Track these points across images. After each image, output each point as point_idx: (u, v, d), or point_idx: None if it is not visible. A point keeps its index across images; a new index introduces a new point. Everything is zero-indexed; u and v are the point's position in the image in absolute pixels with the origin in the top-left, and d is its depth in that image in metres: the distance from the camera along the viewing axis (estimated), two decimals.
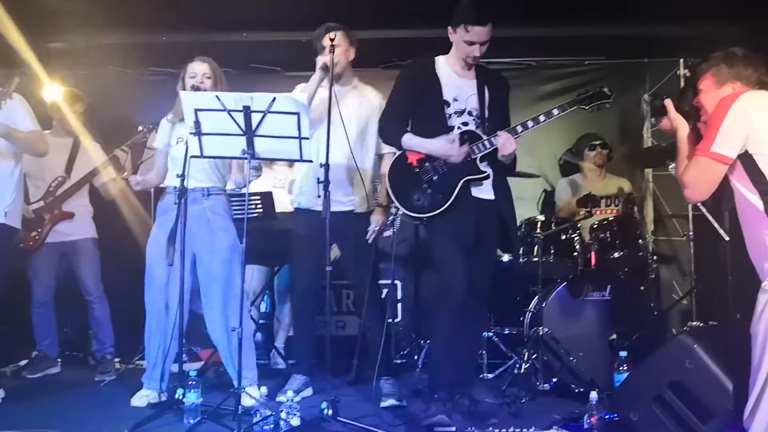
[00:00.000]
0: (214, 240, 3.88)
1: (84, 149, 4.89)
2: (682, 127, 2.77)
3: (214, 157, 3.79)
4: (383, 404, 3.85)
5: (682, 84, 5.63)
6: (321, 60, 3.85)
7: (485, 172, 3.49)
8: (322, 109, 3.84)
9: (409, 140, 3.55)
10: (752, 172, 2.47)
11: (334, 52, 3.77)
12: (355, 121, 3.99)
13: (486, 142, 3.46)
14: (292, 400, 3.37)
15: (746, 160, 2.48)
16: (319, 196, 3.56)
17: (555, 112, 3.47)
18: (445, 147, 3.45)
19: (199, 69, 3.90)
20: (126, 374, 4.61)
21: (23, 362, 4.85)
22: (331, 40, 3.80)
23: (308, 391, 4.05)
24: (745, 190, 2.51)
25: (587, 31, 5.40)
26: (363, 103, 4.07)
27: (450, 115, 3.55)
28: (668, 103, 2.84)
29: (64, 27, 5.12)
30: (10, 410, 3.81)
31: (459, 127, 3.53)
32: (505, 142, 3.41)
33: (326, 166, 3.51)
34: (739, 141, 2.47)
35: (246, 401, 3.54)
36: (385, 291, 5.26)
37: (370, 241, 4.00)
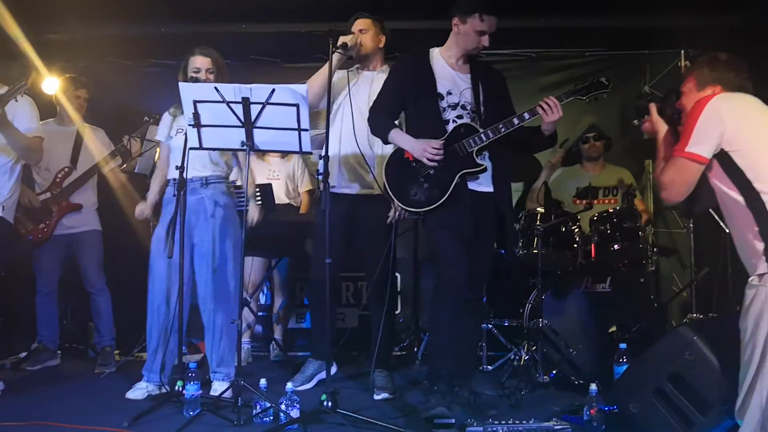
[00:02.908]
0: (212, 229, 3.86)
1: (89, 138, 4.89)
2: (662, 130, 2.86)
3: (213, 149, 3.79)
4: (376, 397, 3.87)
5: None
6: (342, 39, 3.84)
7: (482, 165, 3.48)
8: (338, 89, 3.93)
9: (394, 136, 3.55)
10: (730, 169, 2.51)
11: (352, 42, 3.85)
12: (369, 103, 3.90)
13: (482, 135, 3.44)
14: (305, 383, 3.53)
15: (723, 158, 2.53)
16: (318, 188, 3.53)
17: None
18: (418, 147, 3.42)
19: (202, 63, 3.87)
20: (126, 366, 4.61)
21: (23, 354, 4.85)
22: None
23: (322, 374, 3.99)
24: (725, 188, 2.54)
25: (588, 22, 5.38)
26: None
27: (444, 109, 3.53)
28: (652, 106, 2.92)
29: (63, 18, 5.10)
30: (10, 402, 3.81)
31: (454, 121, 3.52)
32: (553, 107, 3.37)
33: (325, 158, 3.46)
34: (713, 141, 2.52)
35: (216, 387, 3.76)
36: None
37: (388, 222, 3.95)
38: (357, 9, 4.16)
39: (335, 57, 3.80)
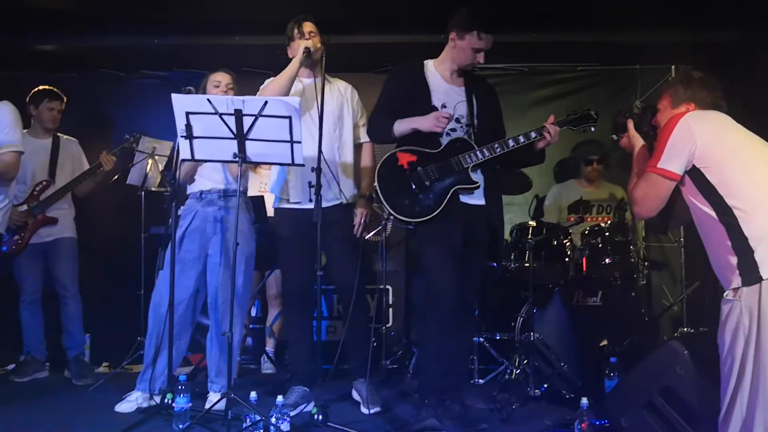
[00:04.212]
0: (226, 242, 3.88)
1: (64, 150, 4.87)
2: (638, 145, 2.93)
3: (205, 161, 3.80)
4: (369, 412, 3.82)
5: None
6: (303, 44, 3.78)
7: (476, 182, 3.50)
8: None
9: (399, 126, 3.53)
10: (702, 185, 2.55)
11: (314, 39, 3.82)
12: (329, 112, 3.91)
13: (478, 153, 3.47)
14: (289, 413, 3.34)
15: (695, 175, 2.56)
16: (311, 200, 3.53)
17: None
18: (428, 120, 3.44)
19: (223, 78, 3.99)
20: (115, 378, 4.56)
21: (11, 366, 4.81)
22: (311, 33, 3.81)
23: (309, 406, 3.76)
24: (699, 204, 2.58)
25: (580, 37, 5.42)
26: (335, 95, 4.00)
27: None
28: (629, 122, 2.99)
29: (55, 29, 5.09)
30: None
31: (448, 134, 3.54)
32: (555, 135, 3.50)
33: (318, 170, 3.47)
34: (684, 157, 2.56)
35: (212, 398, 3.75)
36: (376, 296, 5.28)
37: (357, 235, 3.93)
38: (351, 21, 4.18)
39: (296, 61, 3.79)
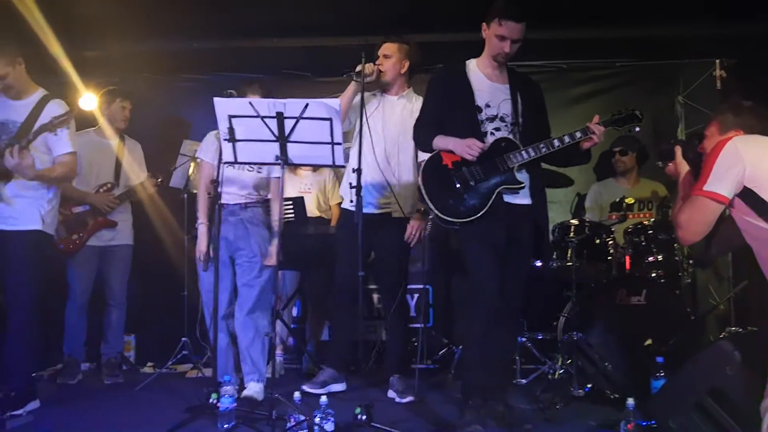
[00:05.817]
0: (248, 246, 4.04)
1: (129, 152, 4.97)
2: (683, 172, 2.92)
3: (248, 163, 3.86)
4: (401, 401, 4.03)
5: (719, 85, 5.55)
6: (358, 66, 3.91)
7: (522, 182, 3.47)
8: (355, 114, 4.05)
9: (438, 142, 3.56)
10: (757, 205, 2.51)
11: (367, 61, 3.91)
12: (393, 127, 4.11)
13: (524, 153, 3.44)
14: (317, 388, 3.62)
15: (747, 196, 2.53)
16: (352, 201, 3.58)
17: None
18: (461, 145, 3.43)
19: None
20: (161, 378, 4.63)
21: (59, 366, 4.89)
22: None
23: (338, 386, 4.15)
24: (752, 220, 2.54)
25: (619, 32, 5.31)
26: (406, 111, 4.15)
27: (482, 121, 3.52)
28: (677, 148, 2.98)
29: (100, 35, 5.18)
30: (46, 415, 3.83)
31: (492, 133, 3.51)
32: (600, 135, 3.46)
33: (358, 171, 3.55)
34: (733, 179, 2.53)
35: (251, 391, 3.89)
36: (416, 296, 5.29)
37: (411, 245, 4.19)
38: (388, 23, 4.18)
39: (353, 84, 3.99)
